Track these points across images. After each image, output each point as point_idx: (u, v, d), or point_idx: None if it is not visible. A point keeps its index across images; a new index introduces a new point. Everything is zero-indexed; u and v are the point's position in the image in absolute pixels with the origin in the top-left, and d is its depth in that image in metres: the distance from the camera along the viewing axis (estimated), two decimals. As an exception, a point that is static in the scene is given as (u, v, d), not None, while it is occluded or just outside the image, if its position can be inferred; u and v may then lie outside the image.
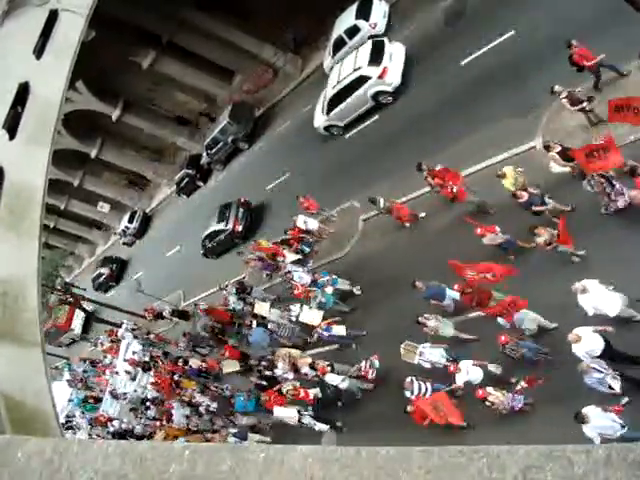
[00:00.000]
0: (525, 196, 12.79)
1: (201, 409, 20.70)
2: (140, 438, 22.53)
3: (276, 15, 28.30)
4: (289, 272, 18.83)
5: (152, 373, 24.37)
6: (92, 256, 51.43)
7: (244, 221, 26.07)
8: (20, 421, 12.95)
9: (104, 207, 44.04)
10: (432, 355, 13.10)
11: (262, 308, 19.61)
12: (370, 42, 22.02)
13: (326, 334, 16.66)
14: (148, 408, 24.00)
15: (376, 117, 22.09)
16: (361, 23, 24.07)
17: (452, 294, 13.90)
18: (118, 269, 42.01)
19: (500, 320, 12.04)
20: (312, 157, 25.08)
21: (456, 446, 2.40)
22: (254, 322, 19.57)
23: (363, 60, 21.42)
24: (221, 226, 26.52)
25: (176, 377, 22.51)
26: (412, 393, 12.94)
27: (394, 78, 20.93)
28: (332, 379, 15.48)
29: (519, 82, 16.85)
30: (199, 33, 29.89)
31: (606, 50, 13.31)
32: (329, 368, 15.62)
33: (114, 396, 26.41)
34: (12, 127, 16.80)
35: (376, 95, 21.51)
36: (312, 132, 24.96)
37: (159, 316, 27.33)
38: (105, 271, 41.59)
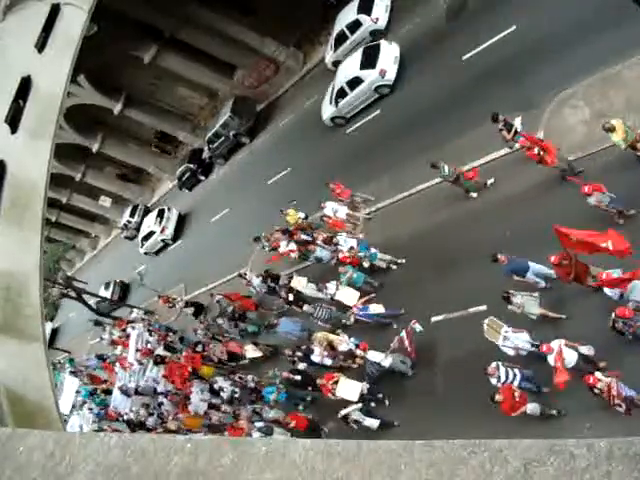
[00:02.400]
0: None
1: (223, 394, 19.81)
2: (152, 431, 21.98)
3: (279, 10, 28.20)
4: (334, 236, 18.56)
5: (164, 367, 23.51)
6: (94, 249, 51.47)
7: (118, 293, 39.20)
8: (22, 414, 12.99)
9: (106, 201, 43.94)
10: (518, 340, 11.78)
11: (299, 282, 19.20)
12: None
13: (362, 313, 16.07)
14: (162, 404, 23.08)
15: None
16: (363, 17, 24.00)
17: (539, 269, 12.53)
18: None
19: (608, 290, 10.57)
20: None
21: (458, 440, 2.40)
22: (290, 295, 19.07)
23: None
24: (106, 294, 38.92)
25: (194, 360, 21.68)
26: (499, 380, 11.54)
27: (169, 233, 35.55)
28: (374, 356, 14.98)
29: (521, 78, 16.77)
30: (201, 28, 29.77)
31: (606, 48, 12.95)
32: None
33: (124, 392, 25.98)
34: (14, 121, 16.79)
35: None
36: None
37: (173, 306, 27.68)
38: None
